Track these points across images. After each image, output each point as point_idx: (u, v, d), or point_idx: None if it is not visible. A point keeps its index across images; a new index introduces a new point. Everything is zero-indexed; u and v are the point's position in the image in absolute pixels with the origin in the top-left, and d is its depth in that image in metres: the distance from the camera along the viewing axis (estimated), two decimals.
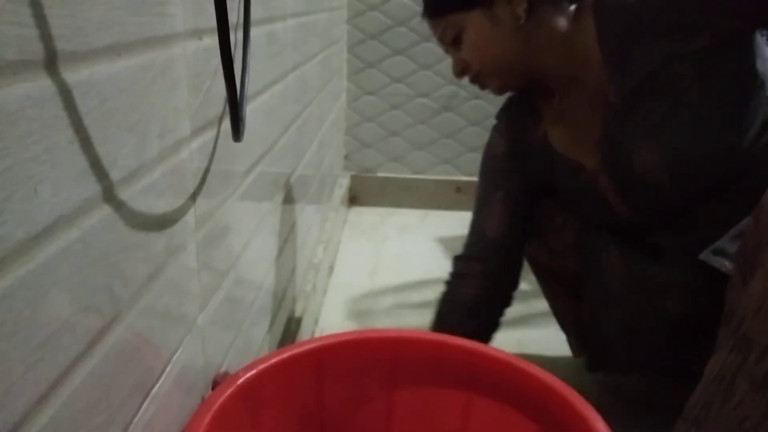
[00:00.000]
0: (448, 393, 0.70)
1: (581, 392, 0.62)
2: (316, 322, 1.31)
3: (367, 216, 1.98)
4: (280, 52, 0.91)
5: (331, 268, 1.57)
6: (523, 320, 1.34)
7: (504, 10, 0.84)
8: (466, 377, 0.68)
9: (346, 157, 2.03)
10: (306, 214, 1.21)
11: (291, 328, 1.05)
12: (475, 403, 0.69)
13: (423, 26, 1.85)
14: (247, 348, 0.76)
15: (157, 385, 0.49)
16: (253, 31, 0.72)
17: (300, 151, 1.12)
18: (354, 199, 2.06)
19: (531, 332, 1.30)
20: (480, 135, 1.98)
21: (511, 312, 1.16)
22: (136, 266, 0.44)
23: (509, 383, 0.66)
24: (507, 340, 1.24)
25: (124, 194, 0.41)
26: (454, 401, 0.69)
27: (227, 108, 0.57)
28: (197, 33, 0.54)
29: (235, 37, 0.65)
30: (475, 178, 2.08)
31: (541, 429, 0.64)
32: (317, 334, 1.26)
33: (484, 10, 0.84)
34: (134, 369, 0.44)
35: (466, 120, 1.97)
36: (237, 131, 0.52)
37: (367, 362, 0.69)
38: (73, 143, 0.34)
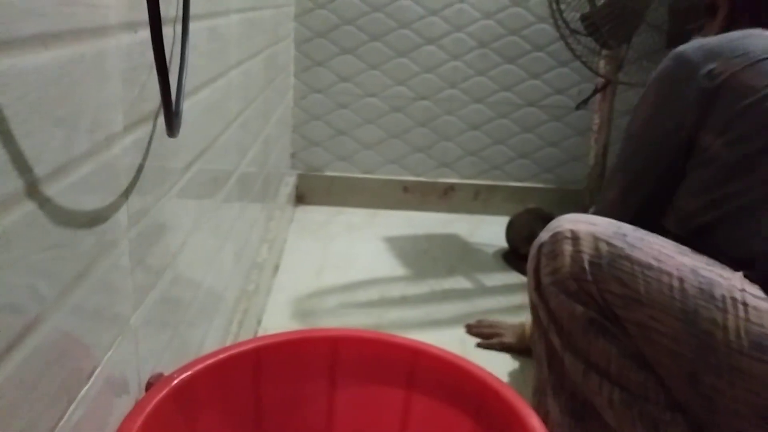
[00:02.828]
0: (388, 391, 0.70)
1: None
2: (259, 322, 1.29)
3: (314, 215, 1.97)
4: (222, 47, 0.89)
5: (276, 268, 1.56)
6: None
7: (715, 24, 0.96)
8: (405, 375, 0.69)
9: (293, 156, 2.02)
10: (249, 213, 1.20)
11: (232, 329, 1.03)
12: (415, 401, 0.69)
13: (371, 25, 1.87)
14: (184, 349, 0.75)
15: (86, 387, 0.47)
16: (195, 26, 0.71)
17: (243, 149, 1.10)
18: (301, 197, 2.05)
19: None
20: (427, 135, 2.00)
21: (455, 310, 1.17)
22: (63, 264, 0.42)
23: (448, 381, 0.67)
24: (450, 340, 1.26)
25: (50, 190, 0.40)
26: (394, 399, 0.70)
27: None
28: (132, 26, 0.53)
29: (174, 32, 0.64)
30: (421, 179, 2.10)
31: (478, 426, 0.65)
32: (260, 335, 1.25)
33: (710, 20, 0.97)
34: (60, 371, 0.43)
35: (414, 120, 1.98)
36: (171, 127, 0.51)
37: (307, 361, 0.69)
38: None
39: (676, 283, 0.71)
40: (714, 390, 0.69)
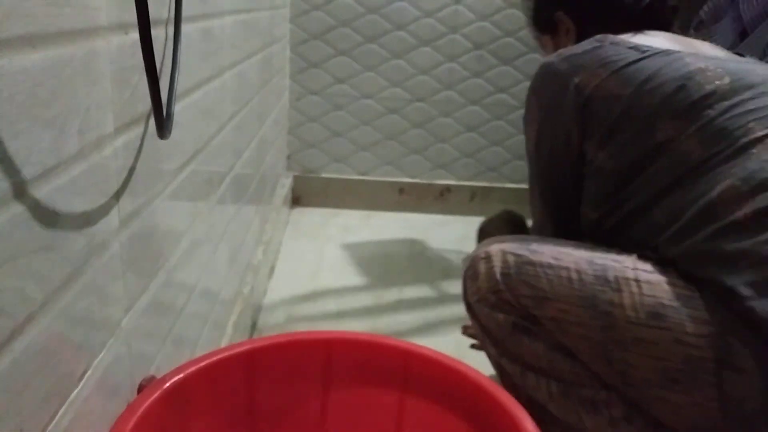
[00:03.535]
0: (381, 393, 0.70)
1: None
2: (254, 324, 1.29)
3: (309, 217, 1.97)
4: (216, 49, 0.89)
5: (272, 270, 1.56)
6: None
7: (563, 38, 1.05)
8: (399, 377, 0.69)
9: (289, 158, 2.02)
10: (244, 214, 1.19)
11: (227, 331, 1.03)
12: (408, 403, 0.69)
13: (367, 27, 1.87)
14: (178, 352, 0.75)
15: (76, 391, 0.47)
16: (187, 28, 0.71)
17: (238, 150, 1.10)
18: (297, 199, 2.05)
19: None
20: (423, 137, 2.00)
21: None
22: (53, 267, 0.42)
23: (441, 383, 0.67)
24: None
25: (39, 192, 0.40)
26: (388, 401, 0.70)
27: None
28: (123, 27, 0.52)
29: (166, 33, 0.64)
30: (417, 180, 2.11)
31: (472, 427, 0.65)
32: (255, 337, 1.24)
33: (552, 36, 1.08)
34: (50, 374, 0.43)
35: (410, 122, 1.98)
36: (162, 128, 0.50)
37: (300, 364, 0.69)
38: None
39: (574, 275, 0.77)
40: (626, 364, 0.74)
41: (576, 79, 0.87)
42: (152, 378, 0.61)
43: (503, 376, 0.88)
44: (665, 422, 0.75)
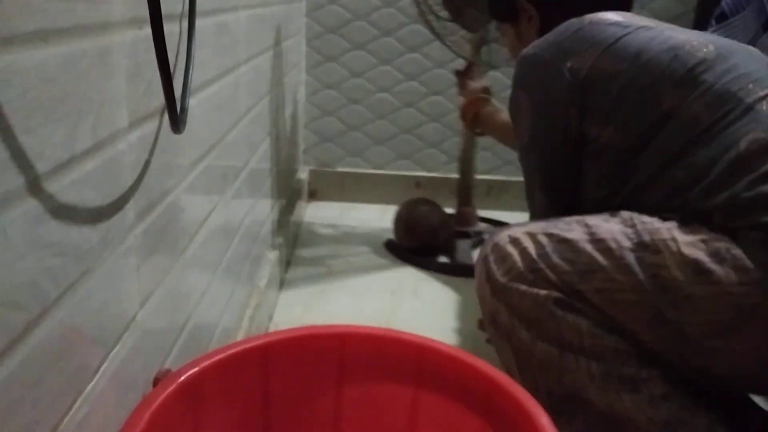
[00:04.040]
0: (395, 388, 0.69)
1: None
2: (270, 318, 1.30)
3: (326, 211, 1.97)
4: (231, 43, 0.89)
5: (288, 263, 1.56)
6: None
7: (525, 26, 1.09)
8: (413, 372, 0.68)
9: (305, 152, 2.02)
10: (260, 208, 1.20)
11: (243, 325, 1.03)
12: (423, 398, 0.69)
13: (383, 21, 1.86)
14: (194, 345, 0.75)
15: (92, 383, 0.47)
16: (202, 22, 0.71)
17: (253, 145, 1.10)
18: (313, 193, 2.05)
19: None
20: (439, 131, 1.99)
21: None
22: (67, 261, 0.42)
23: (455, 378, 0.66)
24: None
25: (53, 187, 0.40)
26: (402, 396, 0.69)
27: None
28: (136, 22, 0.52)
29: (181, 28, 0.64)
30: (434, 174, 2.10)
31: (486, 423, 0.65)
32: (272, 330, 1.25)
33: (512, 24, 1.12)
34: (65, 367, 0.43)
35: (426, 116, 1.97)
36: (176, 123, 0.50)
37: (315, 358, 0.69)
38: None
39: (612, 245, 0.79)
40: (680, 322, 0.76)
41: (568, 64, 0.89)
42: (167, 371, 0.61)
43: (526, 365, 0.85)
44: (721, 374, 0.77)
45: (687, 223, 0.78)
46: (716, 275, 0.73)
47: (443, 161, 2.02)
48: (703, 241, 0.75)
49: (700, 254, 0.74)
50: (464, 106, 1.52)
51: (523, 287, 0.82)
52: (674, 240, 0.76)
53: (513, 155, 1.99)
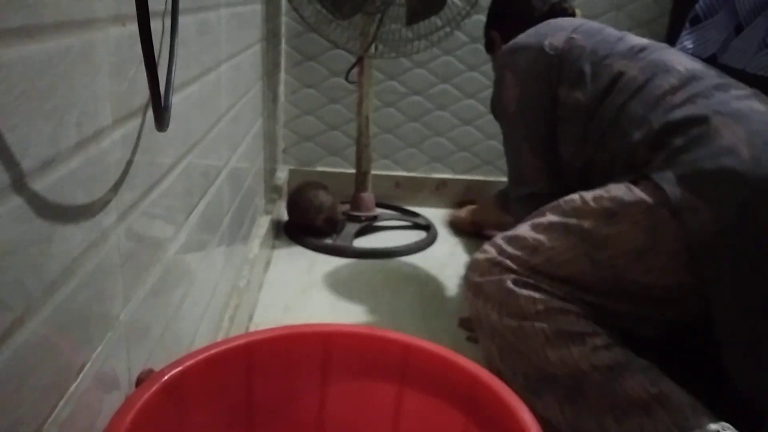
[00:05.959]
0: (380, 386, 0.70)
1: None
2: (250, 318, 1.29)
3: None
4: (213, 41, 0.89)
5: (268, 263, 1.55)
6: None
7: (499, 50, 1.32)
8: (397, 370, 0.69)
9: (285, 151, 2.01)
10: (240, 207, 1.19)
11: (223, 325, 1.03)
12: (407, 396, 0.69)
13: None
14: (175, 345, 0.74)
15: (75, 384, 0.47)
16: (184, 20, 0.71)
17: (234, 144, 1.10)
18: None
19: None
20: (418, 131, 1.99)
21: None
22: (51, 260, 0.42)
23: (439, 375, 0.67)
24: None
25: (37, 184, 0.40)
26: (386, 394, 0.70)
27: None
28: (120, 19, 0.52)
29: (163, 25, 0.63)
30: (413, 174, 2.10)
31: (469, 420, 0.65)
32: (252, 330, 1.24)
33: (493, 55, 1.43)
34: (48, 367, 0.42)
35: (406, 116, 1.98)
36: (160, 121, 0.50)
37: (298, 357, 0.69)
38: None
39: (546, 223, 0.98)
40: (609, 258, 0.92)
41: (546, 42, 1.13)
42: (150, 371, 0.60)
43: (504, 351, 0.98)
44: (658, 296, 0.92)
45: (628, 171, 0.96)
46: (622, 214, 0.91)
47: (423, 161, 2.03)
48: (606, 191, 0.94)
49: (604, 203, 0.93)
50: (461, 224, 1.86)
51: (491, 278, 0.99)
52: (583, 200, 0.96)
53: (491, 155, 2.01)
